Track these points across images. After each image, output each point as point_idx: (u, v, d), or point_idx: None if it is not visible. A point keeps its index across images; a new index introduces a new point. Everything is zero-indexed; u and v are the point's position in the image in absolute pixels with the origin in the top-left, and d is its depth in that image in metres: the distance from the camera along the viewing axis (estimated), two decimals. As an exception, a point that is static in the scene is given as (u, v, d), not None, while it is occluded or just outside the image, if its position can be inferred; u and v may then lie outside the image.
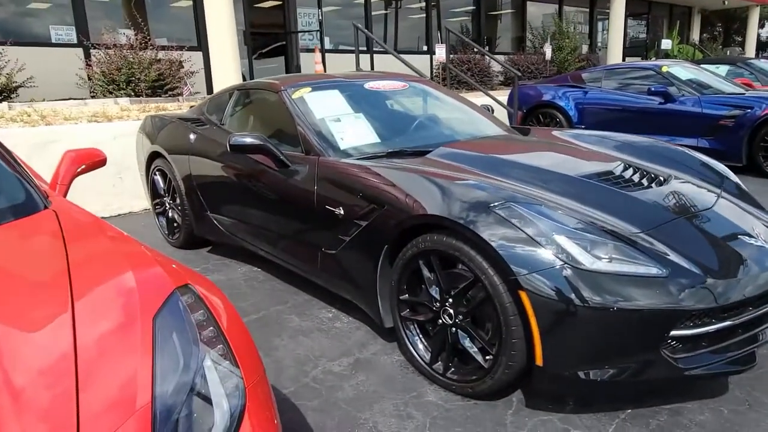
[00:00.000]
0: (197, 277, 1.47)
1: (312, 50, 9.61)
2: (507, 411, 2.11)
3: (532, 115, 7.44)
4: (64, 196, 2.38)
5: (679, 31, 17.73)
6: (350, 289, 2.67)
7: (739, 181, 2.85)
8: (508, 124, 7.67)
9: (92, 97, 7.21)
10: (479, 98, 8.27)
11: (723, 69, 8.30)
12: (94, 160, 2.53)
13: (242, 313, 3.02)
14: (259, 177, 3.11)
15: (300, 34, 10.07)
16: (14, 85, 6.54)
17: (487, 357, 2.08)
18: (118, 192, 5.18)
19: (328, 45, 10.45)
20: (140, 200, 5.12)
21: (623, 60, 13.76)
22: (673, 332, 1.89)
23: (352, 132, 2.96)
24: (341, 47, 10.67)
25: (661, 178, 2.55)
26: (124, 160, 5.09)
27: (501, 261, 1.91)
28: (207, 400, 1.12)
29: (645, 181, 2.48)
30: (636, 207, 2.23)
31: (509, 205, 2.01)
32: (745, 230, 2.23)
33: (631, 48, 17.69)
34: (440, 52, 9.43)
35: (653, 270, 1.90)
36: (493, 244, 1.93)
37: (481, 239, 1.96)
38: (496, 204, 2.02)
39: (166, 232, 4.24)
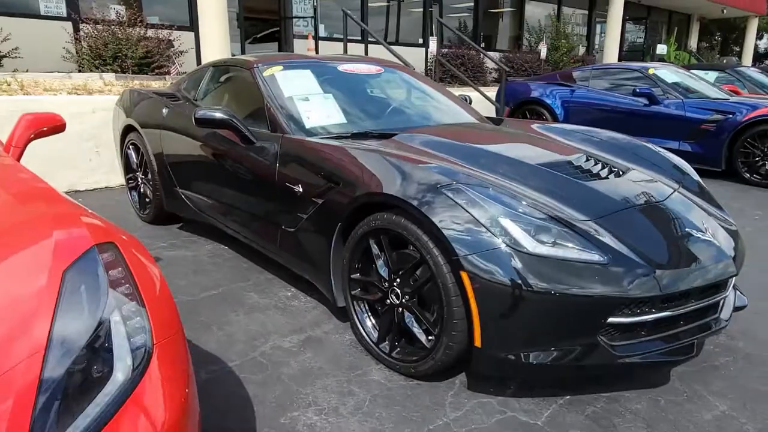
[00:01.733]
0: (129, 240, 1.47)
1: (305, 37, 9.57)
2: (448, 392, 2.12)
3: (519, 112, 7.44)
4: (18, 159, 2.36)
5: (677, 38, 17.76)
6: (307, 268, 2.67)
7: (700, 180, 2.86)
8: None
9: (79, 71, 7.16)
10: (468, 92, 8.28)
11: (712, 75, 8.32)
12: (52, 125, 2.50)
13: (202, 288, 3.04)
14: (225, 153, 3.10)
15: (294, 21, 10.02)
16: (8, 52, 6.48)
17: (430, 337, 2.09)
18: (94, 166, 5.15)
19: (322, 33, 10.39)
20: (117, 175, 5.10)
21: (619, 63, 13.75)
22: (611, 319, 1.90)
23: (319, 112, 2.95)
24: (336, 35, 10.61)
25: (620, 171, 2.56)
26: (101, 134, 5.07)
27: (444, 241, 1.92)
28: (109, 353, 1.12)
29: (602, 172, 2.49)
30: (587, 196, 2.23)
31: (458, 187, 2.01)
32: (695, 224, 2.24)
33: (629, 52, 17.72)
34: (433, 46, 9.42)
35: (594, 257, 1.91)
36: (438, 223, 1.93)
37: (427, 218, 1.96)
38: (444, 185, 2.02)
39: (138, 207, 4.22)
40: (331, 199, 2.39)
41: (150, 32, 7.25)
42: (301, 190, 2.55)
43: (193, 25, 8.79)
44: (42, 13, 7.70)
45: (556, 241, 1.92)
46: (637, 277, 1.91)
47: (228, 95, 3.62)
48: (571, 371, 2.02)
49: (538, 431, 1.91)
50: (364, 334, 2.35)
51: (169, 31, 7.63)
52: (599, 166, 2.57)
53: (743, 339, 2.55)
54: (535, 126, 3.37)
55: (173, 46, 7.82)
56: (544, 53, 11.28)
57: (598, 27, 16.58)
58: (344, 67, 3.37)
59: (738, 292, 2.50)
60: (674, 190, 2.50)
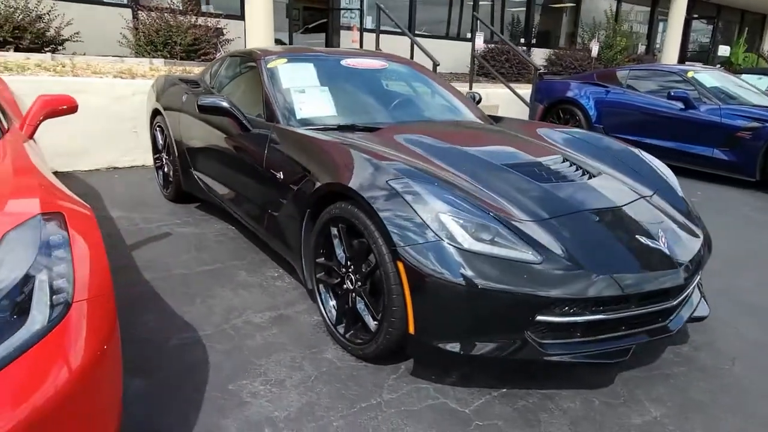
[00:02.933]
0: (81, 213, 1.68)
1: (351, 28, 9.75)
2: (391, 375, 2.24)
3: (552, 111, 7.33)
4: (30, 136, 2.65)
5: (747, 39, 16.75)
6: (285, 251, 2.84)
7: (678, 190, 2.82)
8: (527, 117, 7.64)
9: (136, 56, 7.64)
10: (501, 90, 8.23)
11: (766, 81, 7.87)
12: (65, 106, 2.78)
13: (199, 263, 3.27)
14: (228, 140, 3.32)
15: (342, 12, 10.21)
16: (61, 38, 7.01)
17: (375, 322, 2.21)
18: (132, 146, 5.53)
19: (369, 24, 10.53)
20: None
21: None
22: (540, 317, 1.96)
23: (312, 104, 3.11)
24: (384, 28, 10.73)
25: (591, 174, 2.57)
26: (140, 115, 5.42)
27: (386, 231, 2.03)
28: (29, 304, 1.32)
29: (569, 175, 2.52)
30: (541, 197, 2.28)
31: (405, 181, 2.12)
32: (649, 232, 2.25)
33: (695, 52, 16.88)
34: (479, 41, 9.38)
35: (528, 256, 1.97)
36: (381, 215, 2.05)
37: (374, 210, 2.08)
38: (393, 179, 2.13)
39: (162, 186, 4.53)
40: (302, 186, 2.54)
41: (200, 20, 7.62)
42: (281, 176, 2.72)
43: (243, 15, 9.16)
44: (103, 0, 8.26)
45: (493, 239, 1.99)
46: (569, 279, 1.96)
47: (239, 85, 3.83)
48: (520, 368, 2.09)
49: (464, 418, 2.00)
50: (326, 315, 2.50)
51: (217, 19, 7.98)
52: (571, 169, 2.60)
53: (706, 350, 2.53)
54: (537, 129, 3.38)
55: (222, 34, 8.20)
56: (595, 51, 10.96)
57: (661, 25, 15.88)
58: (347, 62, 3.51)
59: (703, 302, 2.49)
60: (640, 197, 2.50)
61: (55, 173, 2.26)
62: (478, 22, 8.94)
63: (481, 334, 1.99)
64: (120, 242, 3.54)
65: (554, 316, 1.97)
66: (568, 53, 11.72)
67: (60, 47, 7.04)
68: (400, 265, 1.99)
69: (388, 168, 2.21)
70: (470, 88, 8.15)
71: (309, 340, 2.49)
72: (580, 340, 2.04)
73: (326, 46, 10.54)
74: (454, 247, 1.95)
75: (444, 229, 1.98)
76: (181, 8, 7.62)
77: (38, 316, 1.31)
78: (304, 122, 2.98)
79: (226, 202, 3.52)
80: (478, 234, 1.99)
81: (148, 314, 2.64)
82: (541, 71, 7.92)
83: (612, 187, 2.50)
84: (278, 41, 9.94)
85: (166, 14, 7.26)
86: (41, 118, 2.69)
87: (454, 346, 1.99)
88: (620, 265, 2.07)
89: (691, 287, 2.31)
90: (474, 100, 4.05)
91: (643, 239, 2.20)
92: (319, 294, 2.54)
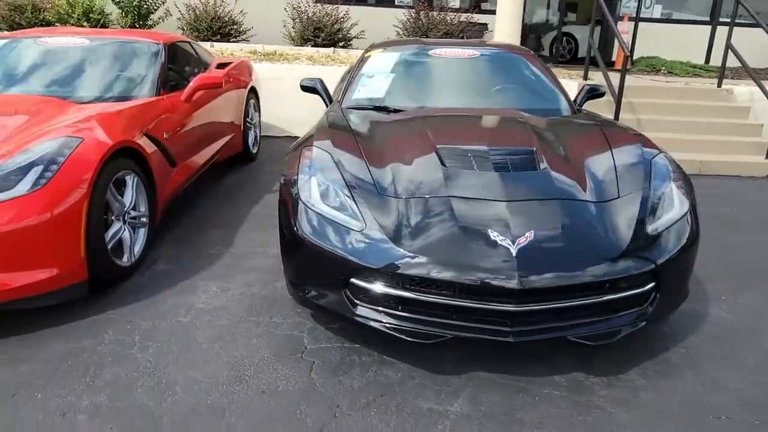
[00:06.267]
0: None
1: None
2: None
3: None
4: (186, 101, 3.93)
5: None
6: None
7: (674, 208, 2.33)
8: None
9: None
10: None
11: None
12: (212, 82, 4.01)
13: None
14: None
15: (623, 1, 9.44)
16: (349, 36, 8.80)
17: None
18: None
19: (657, 14, 9.44)
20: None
21: None
22: (353, 280, 2.16)
23: (370, 87, 3.59)
24: (675, 17, 9.44)
25: (533, 167, 2.45)
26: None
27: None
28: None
29: (504, 165, 2.47)
30: (434, 179, 2.37)
31: (316, 150, 2.55)
32: (510, 233, 2.09)
33: None
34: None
35: (354, 223, 2.18)
36: (285, 170, 2.57)
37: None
38: (309, 146, 2.60)
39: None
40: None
41: (453, 15, 8.45)
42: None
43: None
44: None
45: (340, 205, 2.27)
46: (379, 252, 2.10)
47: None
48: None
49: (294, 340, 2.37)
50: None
51: (468, 14, 8.62)
52: (521, 160, 2.49)
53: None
54: (607, 129, 3.03)
55: (487, 29, 8.85)
56: None
57: None
58: (435, 51, 3.80)
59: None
60: (560, 199, 2.24)
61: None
62: None
63: (314, 284, 2.30)
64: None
65: (367, 283, 2.14)
66: None
67: (348, 44, 8.84)
68: (279, 214, 2.47)
69: (320, 139, 2.66)
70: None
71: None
72: (398, 313, 2.14)
73: (601, 38, 9.89)
74: (307, 206, 2.31)
75: (308, 191, 2.36)
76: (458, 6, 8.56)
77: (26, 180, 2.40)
78: (354, 102, 3.50)
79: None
80: (328, 200, 2.30)
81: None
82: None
83: (537, 183, 2.35)
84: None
85: (421, 11, 8.30)
86: (196, 89, 3.97)
87: (303, 291, 2.36)
88: (446, 253, 2.06)
89: (562, 305, 2.05)
90: (583, 94, 3.75)
91: (495, 236, 2.07)
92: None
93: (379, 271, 2.09)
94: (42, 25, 8.13)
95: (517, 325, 2.04)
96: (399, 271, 2.06)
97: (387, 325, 2.14)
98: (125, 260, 2.97)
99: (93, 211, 2.64)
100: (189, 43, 4.83)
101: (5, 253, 2.39)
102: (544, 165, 2.47)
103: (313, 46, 8.39)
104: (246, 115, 5.38)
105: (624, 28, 8.48)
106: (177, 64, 4.31)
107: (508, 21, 8.01)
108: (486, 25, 8.98)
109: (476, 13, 9.15)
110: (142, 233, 3.17)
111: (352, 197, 2.29)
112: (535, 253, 2.04)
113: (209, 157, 4.38)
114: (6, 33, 5.17)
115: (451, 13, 8.46)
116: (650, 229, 2.23)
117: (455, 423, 1.95)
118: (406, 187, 2.34)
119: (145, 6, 8.44)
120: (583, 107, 3.76)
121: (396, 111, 3.26)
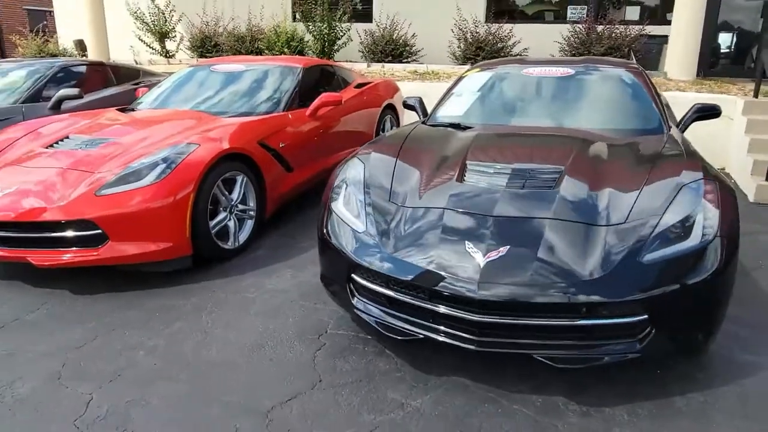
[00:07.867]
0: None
1: None
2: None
3: None
4: (312, 115, 4.58)
5: None
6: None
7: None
8: None
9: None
10: None
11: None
12: (333, 101, 4.61)
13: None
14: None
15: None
16: (510, 54, 8.87)
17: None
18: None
19: None
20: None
21: None
22: (354, 276, 2.44)
23: (453, 106, 3.78)
24: None
25: (547, 187, 2.45)
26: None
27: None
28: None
29: (507, 181, 2.52)
30: (444, 191, 2.53)
31: (363, 164, 2.87)
32: (483, 244, 2.19)
33: None
34: None
35: (358, 225, 2.47)
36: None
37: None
38: (358, 157, 2.95)
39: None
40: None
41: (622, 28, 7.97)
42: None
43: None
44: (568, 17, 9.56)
45: (353, 209, 2.59)
46: (370, 252, 2.36)
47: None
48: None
49: (321, 324, 2.73)
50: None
51: (628, 26, 8.01)
52: (539, 179, 2.51)
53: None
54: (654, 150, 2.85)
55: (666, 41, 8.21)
56: None
57: None
58: (527, 71, 3.83)
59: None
60: (556, 219, 2.23)
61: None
62: None
63: (335, 277, 2.63)
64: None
65: (363, 280, 2.41)
66: None
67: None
68: (325, 214, 2.87)
69: (367, 153, 2.99)
70: None
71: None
72: (386, 310, 2.37)
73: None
74: (332, 211, 2.67)
75: (337, 194, 2.72)
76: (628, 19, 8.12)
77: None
78: (434, 118, 3.74)
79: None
80: (348, 203, 2.63)
81: None
82: None
83: (539, 202, 2.38)
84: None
85: (583, 26, 7.98)
86: (323, 104, 4.60)
87: (327, 283, 2.72)
88: (421, 258, 2.23)
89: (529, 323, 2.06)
90: (691, 113, 3.43)
91: (469, 248, 2.17)
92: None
93: (367, 268, 2.35)
94: (257, 53, 9.81)
95: (483, 336, 2.12)
96: (378, 270, 2.29)
97: (374, 318, 2.38)
98: (229, 244, 3.67)
99: (198, 202, 3.35)
100: (330, 66, 5.54)
101: (136, 226, 3.21)
102: (563, 185, 2.45)
103: (472, 64, 8.67)
104: (382, 129, 5.94)
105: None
106: (315, 84, 5.02)
107: (681, 36, 7.33)
108: (666, 37, 8.22)
109: (656, 24, 8.44)
110: (249, 224, 3.86)
111: (364, 202, 2.58)
112: (503, 267, 2.09)
113: (332, 165, 4.99)
114: (195, 61, 6.53)
115: (621, 26, 7.98)
116: (647, 258, 2.08)
117: (407, 415, 2.12)
118: (414, 196, 2.55)
119: (332, 33, 9.61)
120: (688, 128, 3.44)
121: (466, 128, 3.42)
